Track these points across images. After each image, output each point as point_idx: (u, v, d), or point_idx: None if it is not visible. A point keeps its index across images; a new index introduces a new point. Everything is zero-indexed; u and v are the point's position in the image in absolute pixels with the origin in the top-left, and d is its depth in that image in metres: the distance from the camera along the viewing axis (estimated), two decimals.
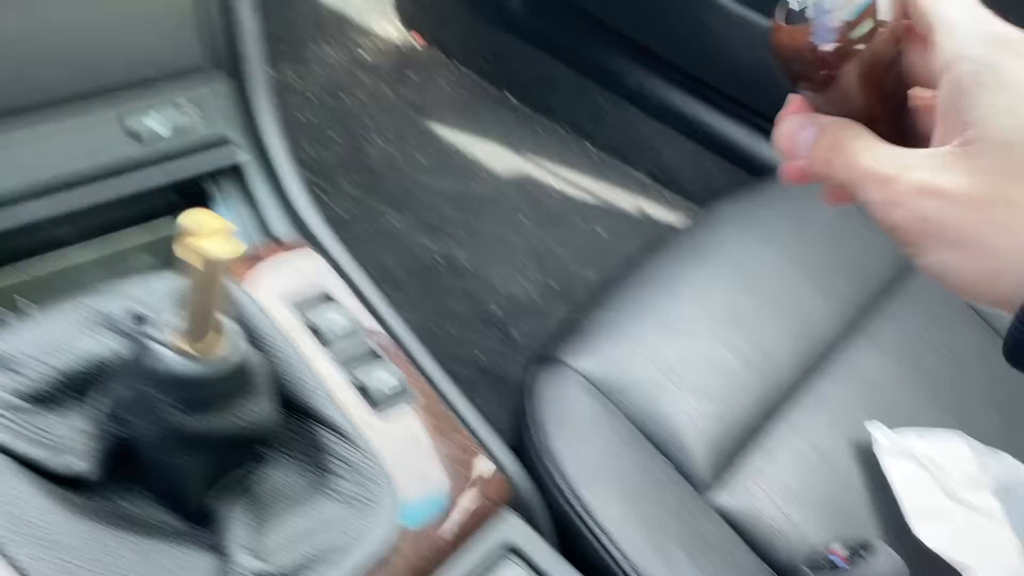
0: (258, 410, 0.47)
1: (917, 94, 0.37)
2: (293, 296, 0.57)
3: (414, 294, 1.26)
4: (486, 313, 1.26)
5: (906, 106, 0.37)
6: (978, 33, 0.32)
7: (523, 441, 0.66)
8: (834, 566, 0.59)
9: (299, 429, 0.52)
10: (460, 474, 0.51)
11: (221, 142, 0.62)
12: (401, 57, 1.70)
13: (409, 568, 0.47)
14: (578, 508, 0.60)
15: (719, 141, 1.39)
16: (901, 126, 0.36)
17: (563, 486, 0.61)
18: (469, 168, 1.49)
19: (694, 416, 0.70)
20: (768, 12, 1.40)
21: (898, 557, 0.59)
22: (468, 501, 0.50)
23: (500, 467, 0.52)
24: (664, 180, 1.51)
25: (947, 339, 0.88)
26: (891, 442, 0.69)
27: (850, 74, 0.35)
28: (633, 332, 0.75)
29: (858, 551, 0.59)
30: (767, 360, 0.76)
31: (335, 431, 0.51)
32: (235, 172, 0.64)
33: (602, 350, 0.73)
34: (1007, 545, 0.64)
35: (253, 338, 0.53)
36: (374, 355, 0.56)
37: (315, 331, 0.55)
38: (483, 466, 0.52)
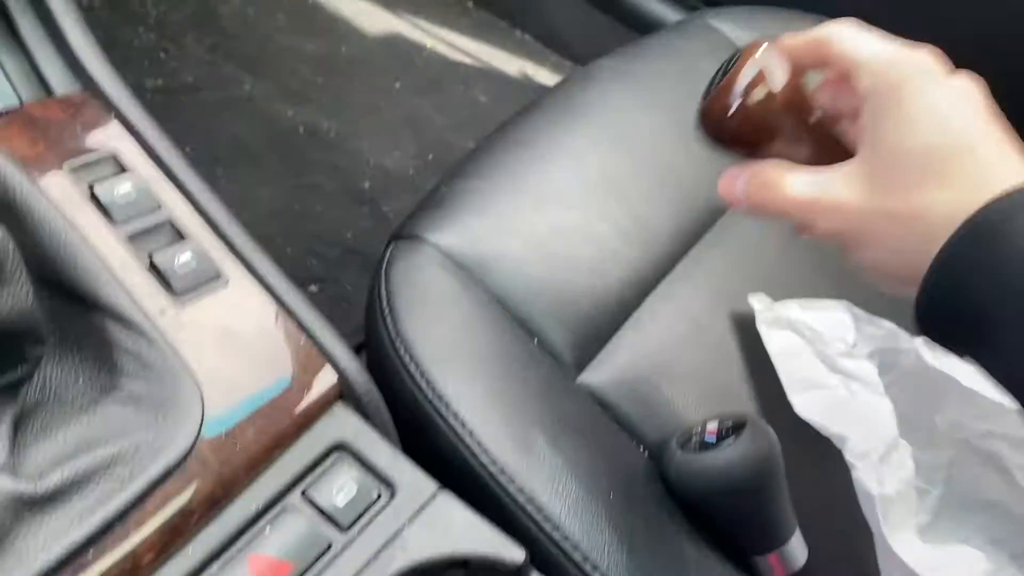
0: (9, 300, 0.38)
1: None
2: (73, 162, 0.47)
3: (273, 168, 1.15)
4: (355, 188, 1.16)
5: (828, 136, 0.45)
6: (885, 63, 0.39)
7: (375, 326, 0.59)
8: (704, 443, 0.55)
9: (82, 322, 0.43)
10: (280, 369, 0.44)
11: None
12: None
13: (216, 479, 0.40)
14: (430, 394, 0.54)
15: None
16: (833, 152, 0.43)
17: (415, 372, 0.55)
18: (335, 28, 1.35)
19: (563, 290, 0.64)
20: None
21: (769, 430, 0.55)
22: (289, 399, 0.43)
23: (329, 358, 0.45)
24: (550, 41, 1.41)
25: None
26: (772, 313, 0.66)
27: (758, 126, 0.44)
28: (500, 203, 0.67)
29: (730, 427, 0.55)
30: (645, 230, 0.70)
31: (123, 322, 0.42)
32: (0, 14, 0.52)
33: (465, 224, 0.65)
34: (882, 412, 0.62)
35: (14, 215, 0.43)
36: (175, 232, 0.47)
37: (99, 203, 0.46)
38: (308, 358, 0.45)
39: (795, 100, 0.44)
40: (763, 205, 0.42)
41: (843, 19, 0.43)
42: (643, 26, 1.28)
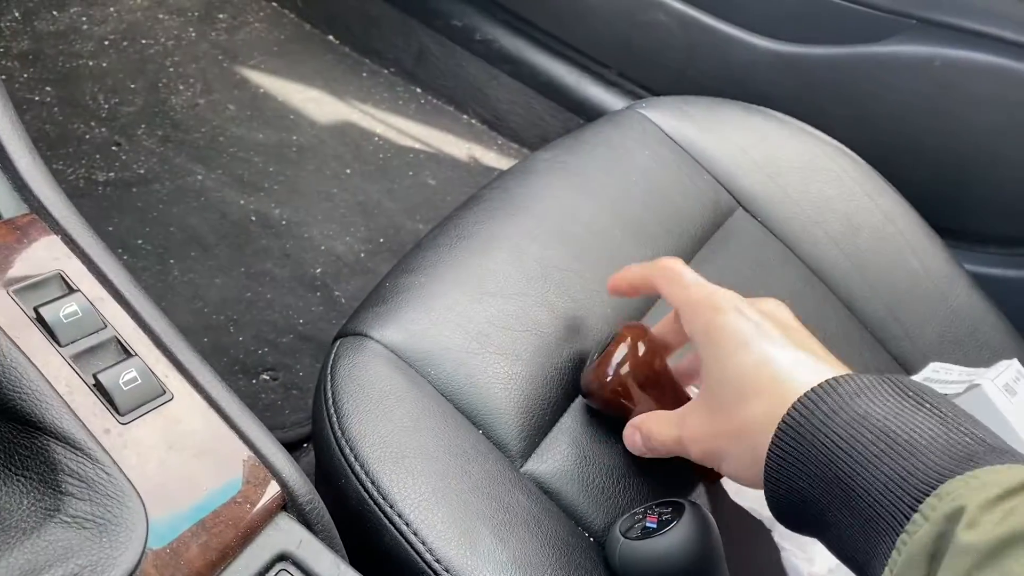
0: None
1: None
2: (18, 284, 0.48)
3: (225, 258, 1.16)
4: (307, 274, 1.18)
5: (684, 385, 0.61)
6: (694, 306, 0.51)
7: (322, 426, 0.61)
8: (646, 529, 0.57)
9: (28, 445, 0.44)
10: (223, 482, 0.45)
11: None
12: None
13: None
14: (375, 494, 0.55)
15: (547, 84, 1.35)
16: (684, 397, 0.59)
17: (361, 473, 0.56)
18: (286, 117, 1.38)
19: (506, 381, 0.66)
20: None
21: (707, 514, 0.57)
22: (233, 511, 0.44)
23: (269, 467, 0.46)
24: (496, 125, 1.46)
25: (766, 280, 0.88)
26: None
27: (628, 393, 0.58)
28: (442, 297, 0.70)
29: (670, 512, 0.57)
30: (584, 316, 0.73)
31: (68, 444, 0.43)
32: None
33: (409, 319, 0.67)
34: None
35: None
36: (120, 350, 0.48)
37: (45, 324, 0.47)
38: (252, 470, 0.46)
39: (657, 368, 0.57)
40: (654, 452, 0.56)
41: (665, 260, 0.57)
42: (584, 110, 1.34)
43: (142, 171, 1.24)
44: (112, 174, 1.21)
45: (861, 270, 0.91)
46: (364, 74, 1.49)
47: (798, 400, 0.42)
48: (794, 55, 1.14)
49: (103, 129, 1.28)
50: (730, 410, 0.46)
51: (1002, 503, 0.34)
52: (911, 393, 0.41)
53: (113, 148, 1.26)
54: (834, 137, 0.95)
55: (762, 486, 0.44)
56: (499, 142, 1.45)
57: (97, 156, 1.24)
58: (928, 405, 0.40)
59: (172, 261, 1.11)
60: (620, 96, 1.32)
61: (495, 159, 1.44)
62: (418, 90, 1.49)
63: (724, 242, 0.87)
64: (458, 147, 1.43)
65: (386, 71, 1.50)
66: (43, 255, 0.51)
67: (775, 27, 1.14)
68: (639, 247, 0.81)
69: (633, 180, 0.87)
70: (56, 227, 0.52)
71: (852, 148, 0.95)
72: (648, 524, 0.58)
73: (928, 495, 0.35)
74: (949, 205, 1.10)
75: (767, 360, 0.45)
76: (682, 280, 0.54)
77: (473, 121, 1.46)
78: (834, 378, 0.42)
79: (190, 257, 1.14)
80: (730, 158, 0.92)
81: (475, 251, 0.74)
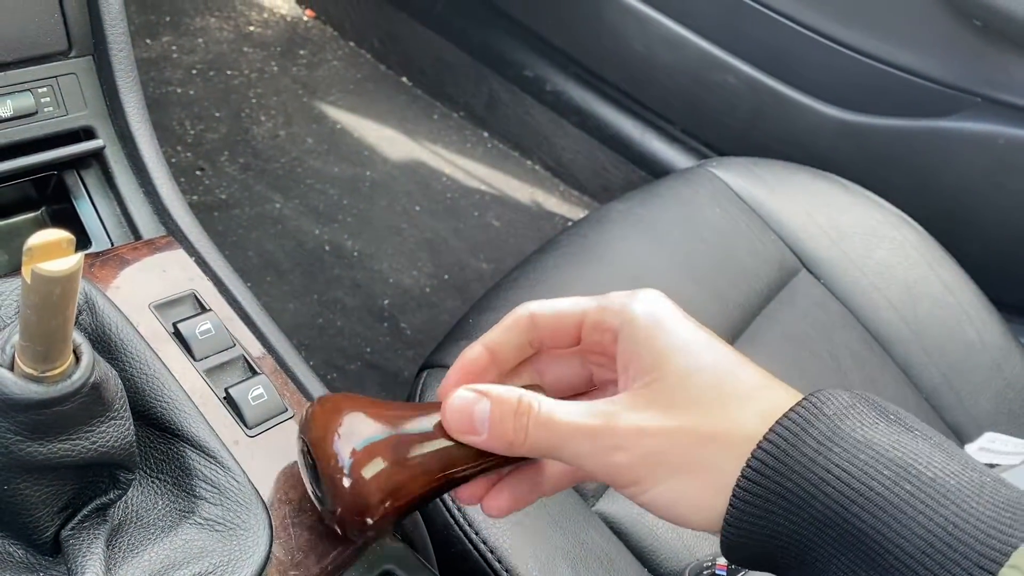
0: (114, 433, 0.43)
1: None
2: (159, 301, 0.53)
3: (299, 284, 1.22)
4: (375, 305, 1.22)
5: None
6: (623, 303, 0.38)
7: None
8: None
9: (165, 450, 0.48)
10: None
11: (80, 130, 0.56)
12: (291, 32, 1.64)
13: None
14: (463, 522, 0.59)
15: (612, 136, 1.40)
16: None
17: (447, 498, 0.60)
18: (360, 152, 1.44)
19: None
20: (663, 8, 1.39)
21: None
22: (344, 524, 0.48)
23: None
24: (559, 172, 1.51)
25: (825, 342, 0.91)
26: None
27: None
28: None
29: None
30: None
31: (203, 452, 0.47)
32: (98, 162, 0.59)
33: None
34: None
35: (112, 351, 0.48)
36: (247, 367, 0.52)
37: (182, 340, 0.51)
38: None
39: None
40: (522, 438, 0.36)
41: (528, 304, 0.40)
42: (646, 163, 1.38)
43: (223, 196, 1.30)
44: (195, 197, 1.27)
45: (919, 337, 0.93)
46: (435, 116, 1.55)
47: (783, 417, 0.33)
48: (860, 124, 1.18)
49: (189, 154, 1.35)
50: (702, 408, 0.35)
51: None
52: (891, 414, 0.34)
53: (197, 172, 1.33)
54: (896, 206, 0.98)
55: (702, 511, 0.35)
56: (561, 189, 1.50)
57: (182, 179, 1.30)
58: (917, 431, 0.34)
59: (249, 284, 1.16)
60: (683, 152, 1.36)
61: (557, 205, 1.48)
62: (486, 134, 1.54)
63: (788, 302, 0.90)
64: (522, 191, 1.48)
65: (456, 115, 1.56)
66: (179, 275, 0.55)
67: (842, 96, 1.18)
68: (709, 301, 0.84)
69: (703, 236, 0.90)
70: (191, 249, 0.57)
71: (914, 218, 0.98)
72: (718, 572, 0.60)
73: (995, 561, 0.29)
74: (1007, 279, 1.12)
75: (728, 369, 0.36)
76: (555, 303, 0.41)
77: (537, 167, 1.51)
78: (815, 395, 0.34)
79: (266, 282, 1.19)
80: (796, 220, 0.95)
81: (553, 293, 0.77)
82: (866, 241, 0.96)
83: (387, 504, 0.37)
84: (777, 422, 0.33)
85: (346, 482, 0.37)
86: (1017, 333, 0.98)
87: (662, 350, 0.36)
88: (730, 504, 0.34)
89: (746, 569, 0.58)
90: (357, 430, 0.37)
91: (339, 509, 0.38)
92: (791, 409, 0.34)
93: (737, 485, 0.34)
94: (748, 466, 0.33)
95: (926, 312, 0.95)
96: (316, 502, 0.41)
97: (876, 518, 0.31)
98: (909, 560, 0.30)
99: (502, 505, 0.40)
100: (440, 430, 0.38)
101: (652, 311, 0.37)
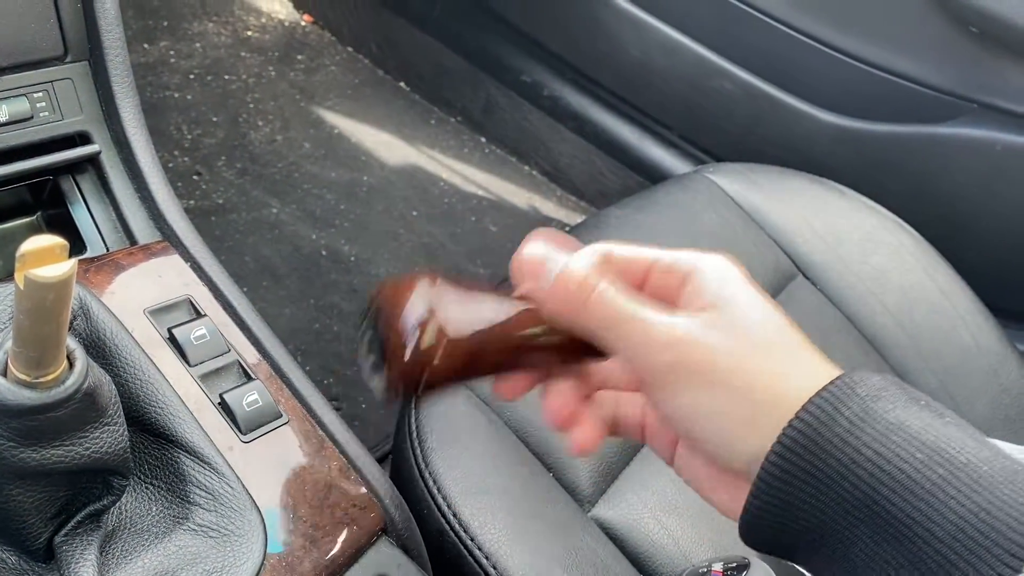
0: (108, 439, 0.43)
1: None
2: (154, 306, 0.53)
3: (295, 289, 1.21)
4: None
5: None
6: (721, 268, 0.37)
7: (405, 458, 0.64)
8: None
9: (159, 455, 0.48)
10: (331, 502, 0.49)
11: (76, 135, 0.56)
12: (289, 37, 1.64)
13: None
14: (458, 528, 0.58)
15: (610, 141, 1.40)
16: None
17: (443, 505, 0.60)
18: (357, 157, 1.44)
19: None
20: (660, 14, 1.39)
21: (770, 571, 0.59)
22: (339, 530, 0.48)
23: (374, 492, 0.50)
24: (556, 178, 1.51)
25: (823, 346, 0.91)
26: None
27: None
28: None
29: (734, 568, 0.59)
30: None
31: (197, 458, 0.47)
32: (94, 167, 0.59)
33: None
34: None
35: (107, 356, 0.48)
36: (241, 372, 0.52)
37: (177, 346, 0.51)
38: (356, 492, 0.50)
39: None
40: (577, 308, 0.36)
41: (606, 243, 0.39)
42: (643, 169, 1.38)
43: (220, 201, 1.30)
44: (192, 202, 1.27)
45: (915, 342, 0.93)
46: (433, 121, 1.55)
47: (816, 396, 0.33)
48: (857, 130, 1.18)
49: (186, 159, 1.35)
50: (762, 352, 0.34)
51: None
52: (920, 400, 0.34)
53: (194, 177, 1.33)
54: (893, 211, 0.98)
55: (736, 447, 0.34)
56: (559, 194, 1.50)
57: (179, 184, 1.30)
58: (947, 417, 0.33)
59: (246, 289, 1.16)
60: (680, 158, 1.36)
61: (554, 210, 1.48)
62: (483, 140, 1.54)
63: (785, 307, 0.89)
64: (519, 196, 1.48)
65: (454, 119, 1.56)
66: (175, 281, 0.55)
67: (839, 102, 1.18)
68: None
69: (700, 242, 0.90)
70: (186, 255, 0.57)
71: (910, 223, 0.98)
72: None
73: None
74: (1004, 285, 1.12)
75: (795, 328, 0.36)
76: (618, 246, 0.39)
77: (535, 172, 1.51)
78: (848, 376, 0.34)
79: (262, 287, 1.19)
80: (793, 226, 0.95)
81: None
82: (862, 246, 0.96)
83: (444, 368, 0.36)
84: (810, 400, 0.33)
85: (409, 345, 0.36)
86: (1013, 339, 0.98)
87: (729, 295, 0.36)
88: (758, 478, 0.33)
89: (748, 569, 0.58)
90: (426, 298, 0.36)
91: (398, 371, 0.36)
92: (824, 388, 0.33)
93: (767, 459, 0.33)
94: (779, 442, 0.33)
95: (922, 317, 0.95)
96: (371, 376, 0.38)
97: (907, 501, 0.31)
98: (939, 545, 0.30)
99: (556, 407, 0.40)
100: (505, 305, 0.37)
101: (724, 265, 0.37)
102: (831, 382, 0.33)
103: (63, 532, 0.44)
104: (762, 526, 0.34)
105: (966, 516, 0.30)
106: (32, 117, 0.54)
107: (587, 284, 0.36)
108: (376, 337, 0.37)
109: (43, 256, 0.32)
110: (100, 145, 0.58)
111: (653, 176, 1.35)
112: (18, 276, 0.32)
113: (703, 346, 0.34)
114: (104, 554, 0.44)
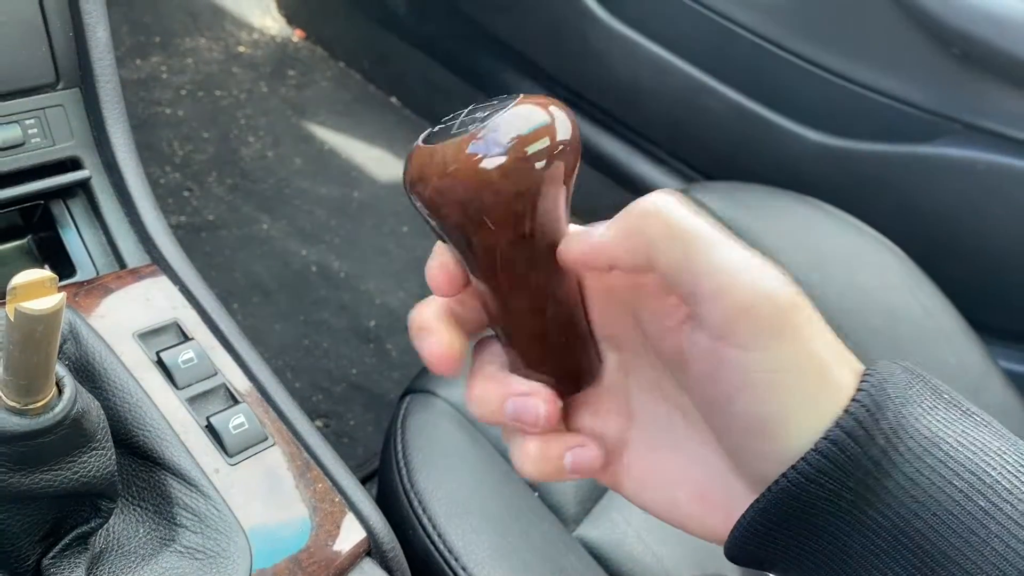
0: (96, 463, 0.43)
1: None
2: (142, 329, 0.53)
3: (285, 305, 1.22)
4: (362, 327, 1.23)
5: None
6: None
7: (391, 478, 0.65)
8: None
9: (146, 478, 0.49)
10: (316, 524, 0.49)
11: (67, 161, 0.57)
12: (280, 53, 1.65)
13: None
14: (443, 549, 0.59)
15: (599, 158, 1.41)
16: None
17: (428, 526, 0.60)
18: (348, 173, 1.45)
19: None
20: (649, 33, 1.41)
21: None
22: (324, 553, 0.48)
23: (359, 515, 0.50)
24: None
25: None
26: None
27: (528, 203, 0.26)
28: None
29: None
30: None
31: (184, 480, 0.48)
32: (84, 192, 0.60)
33: None
34: None
35: (95, 380, 0.49)
36: (228, 396, 0.53)
37: (165, 369, 0.52)
38: (341, 515, 0.50)
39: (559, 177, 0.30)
40: (675, 230, 0.30)
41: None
42: (632, 185, 1.39)
43: (211, 217, 1.30)
44: (183, 218, 1.28)
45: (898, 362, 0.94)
46: None
47: (853, 401, 0.28)
48: (842, 149, 1.19)
49: (177, 175, 1.36)
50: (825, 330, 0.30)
51: None
52: (944, 393, 0.30)
53: (185, 193, 1.33)
54: (877, 230, 0.99)
55: (784, 414, 0.29)
56: None
57: (170, 200, 1.31)
58: (975, 414, 0.30)
59: (236, 305, 1.17)
60: (668, 175, 1.38)
61: None
62: None
63: None
64: None
65: None
66: (163, 304, 0.56)
67: (825, 121, 1.19)
68: None
69: None
70: (175, 278, 0.57)
71: (894, 242, 0.99)
72: None
73: None
74: (987, 302, 1.14)
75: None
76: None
77: None
78: (878, 372, 0.30)
79: (252, 303, 1.19)
80: (778, 245, 0.96)
81: None
82: (847, 266, 0.98)
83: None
84: (846, 412, 0.28)
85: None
86: (996, 356, 0.99)
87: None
88: (784, 477, 0.29)
89: None
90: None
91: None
92: (863, 391, 0.29)
93: (814, 448, 0.28)
94: (804, 460, 0.28)
95: (907, 336, 0.96)
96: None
97: (943, 537, 0.28)
98: None
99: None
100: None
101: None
102: (869, 383, 0.29)
103: (51, 554, 0.45)
104: (765, 540, 0.30)
105: (1008, 555, 0.27)
106: (24, 143, 0.55)
107: (679, 205, 0.30)
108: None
109: (33, 289, 0.32)
110: (90, 170, 0.58)
111: (642, 193, 1.36)
112: (9, 308, 0.33)
113: (800, 301, 0.29)
114: None
